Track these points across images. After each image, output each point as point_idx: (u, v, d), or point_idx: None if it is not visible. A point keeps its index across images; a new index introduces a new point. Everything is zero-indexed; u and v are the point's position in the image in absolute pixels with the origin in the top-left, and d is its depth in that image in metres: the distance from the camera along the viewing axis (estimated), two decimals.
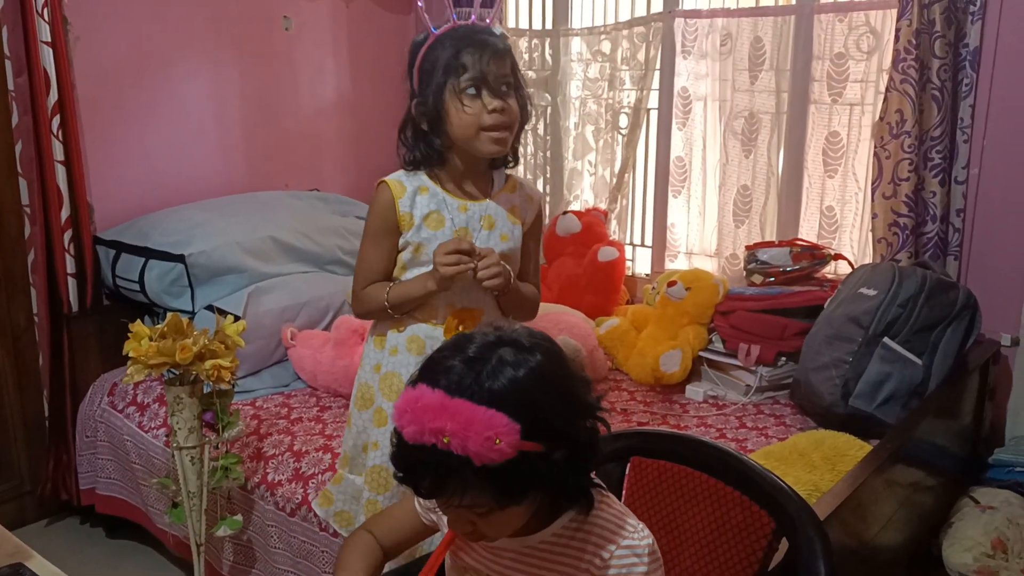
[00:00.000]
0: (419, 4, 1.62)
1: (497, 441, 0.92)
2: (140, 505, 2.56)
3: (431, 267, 1.60)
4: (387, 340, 1.72)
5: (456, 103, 1.55)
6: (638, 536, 1.08)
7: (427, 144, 1.62)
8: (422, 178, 1.66)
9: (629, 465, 1.46)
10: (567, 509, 1.09)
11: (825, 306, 2.44)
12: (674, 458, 1.41)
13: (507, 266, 1.62)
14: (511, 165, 1.72)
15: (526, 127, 1.69)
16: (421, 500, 1.26)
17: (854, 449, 1.98)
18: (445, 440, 0.93)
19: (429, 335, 1.68)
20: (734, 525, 1.31)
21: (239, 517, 2.18)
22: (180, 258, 2.61)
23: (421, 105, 1.59)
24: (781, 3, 2.97)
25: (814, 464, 1.91)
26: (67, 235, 2.64)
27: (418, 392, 0.96)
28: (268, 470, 2.24)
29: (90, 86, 2.74)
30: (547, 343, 1.03)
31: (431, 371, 1.00)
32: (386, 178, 1.67)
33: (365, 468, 1.76)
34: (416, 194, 1.65)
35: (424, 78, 1.59)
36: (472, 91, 1.54)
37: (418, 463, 0.97)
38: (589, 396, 1.06)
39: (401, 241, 1.67)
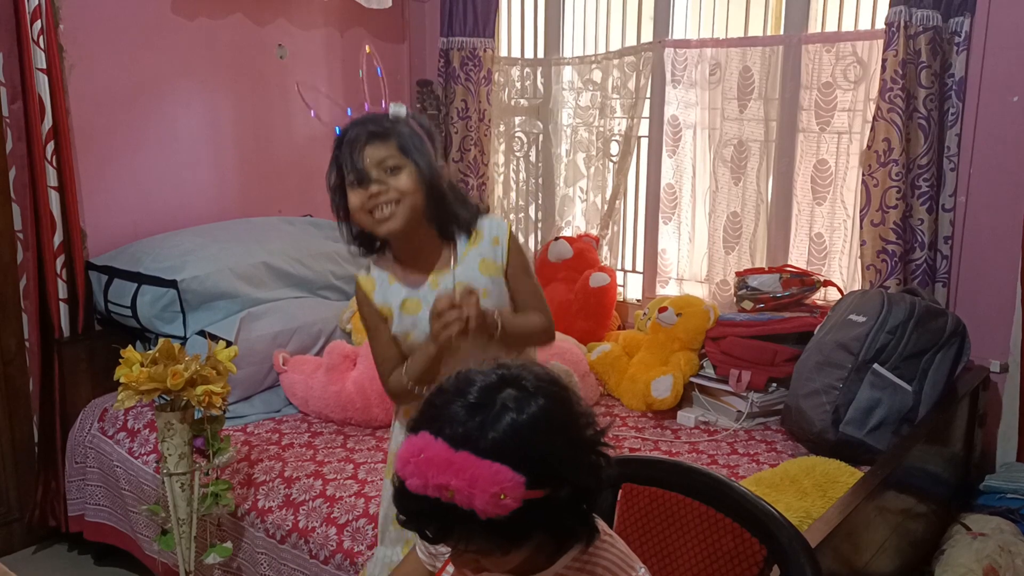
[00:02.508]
0: (361, 75, 1.74)
1: (503, 496, 0.90)
2: (129, 532, 2.54)
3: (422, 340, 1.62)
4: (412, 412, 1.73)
5: (350, 195, 1.58)
6: (641, 573, 1.07)
7: (355, 233, 1.66)
8: (384, 271, 1.67)
9: (620, 492, 1.46)
10: (571, 546, 1.09)
11: (815, 332, 2.45)
12: (666, 485, 1.41)
13: (488, 310, 1.57)
14: (470, 228, 1.68)
15: (443, 187, 1.64)
16: (421, 549, 1.24)
17: (845, 475, 1.98)
18: (450, 494, 0.91)
19: None
20: (726, 552, 1.31)
21: (229, 544, 2.17)
22: (172, 283, 2.61)
23: (331, 198, 1.65)
24: (769, 33, 3.01)
25: (805, 491, 1.91)
26: (59, 260, 2.64)
27: (421, 442, 0.94)
28: (259, 496, 2.23)
29: (84, 112, 2.76)
30: (550, 384, 1.01)
31: (433, 418, 0.97)
32: (358, 274, 1.70)
33: (396, 540, 1.74)
34: (387, 284, 1.66)
35: (328, 175, 1.65)
36: (355, 184, 1.57)
37: (422, 512, 0.95)
38: (592, 432, 1.03)
39: (392, 331, 1.67)
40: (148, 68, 2.92)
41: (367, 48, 1.84)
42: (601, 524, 1.15)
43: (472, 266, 1.66)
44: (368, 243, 1.68)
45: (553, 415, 0.98)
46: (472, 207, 1.69)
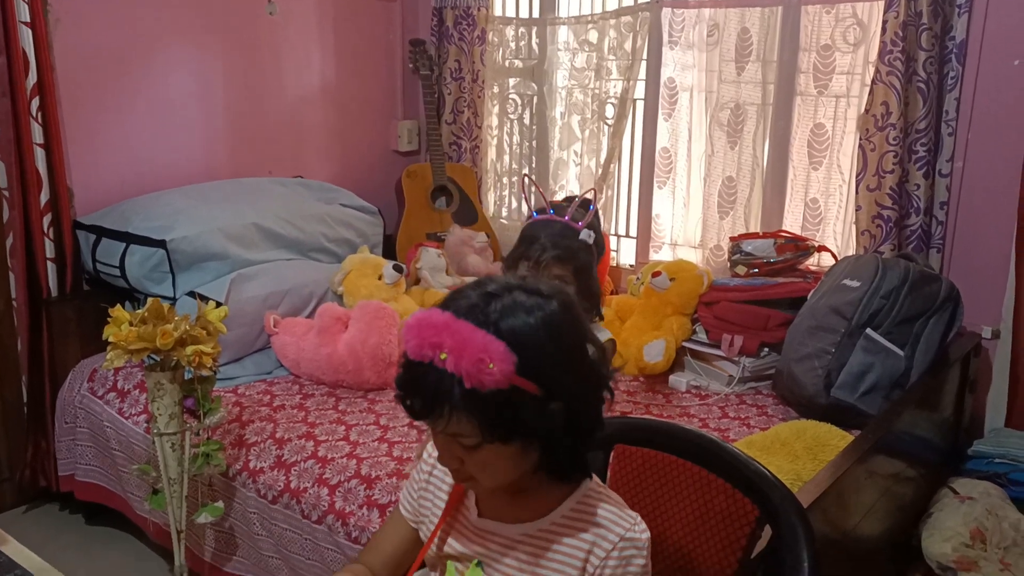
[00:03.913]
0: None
1: (490, 366, 0.94)
2: (120, 492, 2.54)
3: None
4: None
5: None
6: (638, 529, 1.08)
7: None
8: None
9: (613, 453, 1.46)
10: (567, 496, 1.09)
11: (808, 297, 2.45)
12: (658, 446, 1.41)
13: None
14: None
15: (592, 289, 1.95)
16: (407, 505, 1.25)
17: (836, 439, 1.99)
18: (442, 356, 0.95)
19: None
20: (718, 512, 1.31)
21: (220, 504, 2.17)
22: (161, 244, 2.58)
23: (509, 260, 2.05)
24: None
25: (796, 454, 1.91)
26: (46, 219, 2.61)
27: (429, 313, 0.99)
28: (250, 457, 2.23)
29: (71, 69, 2.70)
30: (565, 296, 1.05)
31: (448, 299, 1.03)
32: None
33: None
34: None
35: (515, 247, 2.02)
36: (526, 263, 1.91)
37: (415, 381, 0.99)
38: (599, 363, 1.06)
39: None
40: (136, 24, 2.86)
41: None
42: (596, 479, 1.15)
43: None
44: None
45: (561, 321, 1.01)
46: None
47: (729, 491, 1.31)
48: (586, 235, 1.96)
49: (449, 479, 1.18)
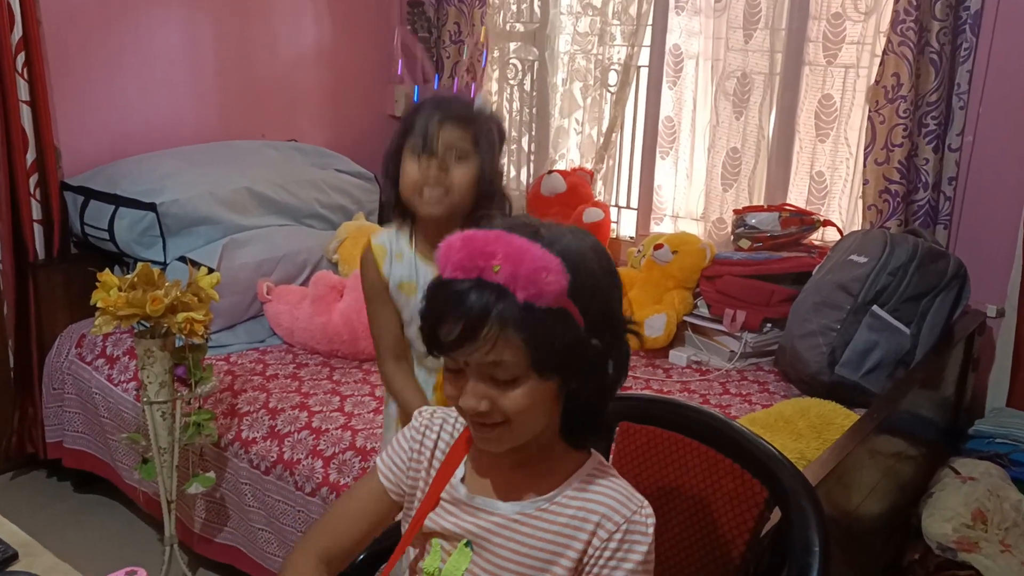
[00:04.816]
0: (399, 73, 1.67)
1: (548, 276, 0.89)
2: (109, 460, 2.50)
3: (412, 324, 1.60)
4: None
5: (406, 162, 1.54)
6: (644, 513, 1.02)
7: (395, 198, 1.61)
8: (401, 242, 1.62)
9: (617, 430, 1.42)
10: (571, 473, 1.04)
11: (813, 272, 2.40)
12: (664, 424, 1.37)
13: None
14: None
15: (497, 189, 1.60)
16: (387, 473, 1.13)
17: (840, 417, 1.96)
18: (495, 268, 0.89)
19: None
20: (725, 493, 1.27)
21: (212, 474, 2.13)
22: (152, 207, 2.52)
23: (385, 157, 1.60)
24: None
25: (800, 432, 1.88)
26: (33, 180, 2.54)
27: (471, 231, 0.93)
28: (242, 427, 2.18)
29: (58, 25, 2.61)
30: (600, 244, 1.02)
31: (488, 226, 0.95)
32: (372, 240, 1.63)
33: None
34: (393, 259, 1.61)
35: (394, 136, 1.60)
36: (419, 152, 1.52)
37: (455, 301, 0.91)
38: (624, 310, 1.03)
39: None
40: None
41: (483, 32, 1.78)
42: (600, 458, 1.10)
43: None
44: (402, 211, 1.62)
45: (603, 257, 1.00)
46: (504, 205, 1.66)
47: (737, 472, 1.27)
48: (481, 102, 1.63)
49: (443, 446, 1.10)
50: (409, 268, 1.60)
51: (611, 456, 1.40)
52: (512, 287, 0.89)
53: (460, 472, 1.08)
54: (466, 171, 1.53)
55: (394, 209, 1.62)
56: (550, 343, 0.92)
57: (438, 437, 1.11)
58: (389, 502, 1.13)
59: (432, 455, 1.12)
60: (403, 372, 1.66)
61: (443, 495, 1.08)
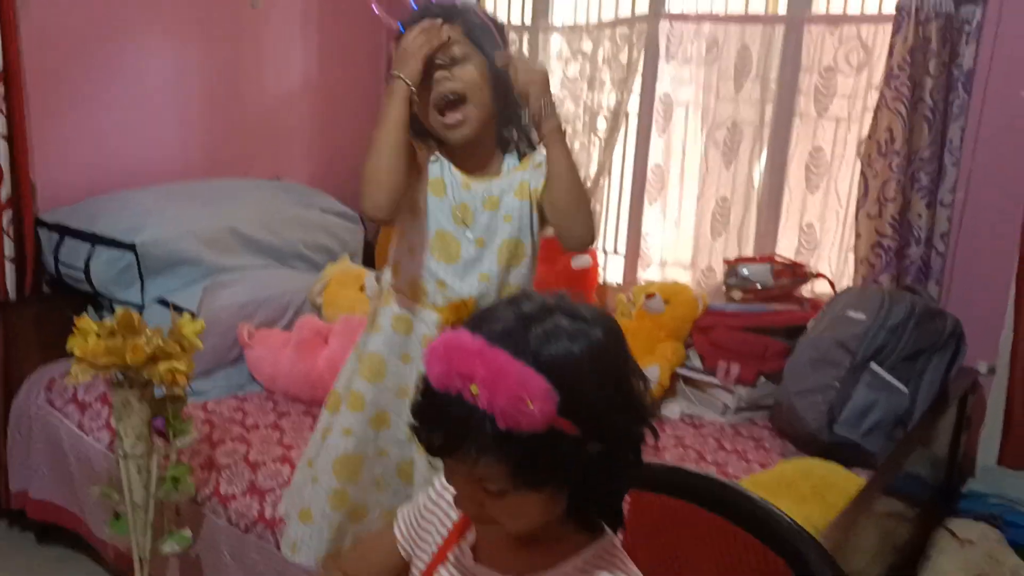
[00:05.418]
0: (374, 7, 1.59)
1: (529, 404, 0.81)
2: (78, 511, 2.37)
3: (431, 233, 1.53)
4: (376, 318, 1.62)
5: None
6: None
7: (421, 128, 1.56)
8: (436, 152, 1.57)
9: (628, 499, 1.35)
10: (579, 549, 0.98)
11: (809, 327, 2.37)
12: (678, 494, 1.32)
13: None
14: (525, 151, 1.58)
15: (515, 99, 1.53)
16: (403, 528, 1.14)
17: (843, 480, 1.91)
18: (473, 389, 0.82)
19: (418, 315, 1.58)
20: (747, 571, 1.21)
21: (188, 532, 2.02)
22: (131, 246, 2.43)
23: None
24: (771, 12, 2.90)
25: (804, 496, 1.83)
26: (6, 216, 2.43)
27: (457, 335, 0.86)
28: (221, 481, 2.08)
29: (39, 55, 2.52)
30: (610, 322, 0.92)
31: (478, 319, 0.90)
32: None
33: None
34: (429, 161, 1.56)
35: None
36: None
37: (437, 413, 0.86)
38: (643, 395, 0.94)
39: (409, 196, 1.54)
40: (110, 9, 2.69)
41: None
42: (616, 542, 1.04)
43: (510, 187, 1.56)
44: (425, 134, 1.55)
45: (607, 351, 0.89)
46: (530, 138, 1.59)
47: (759, 548, 1.22)
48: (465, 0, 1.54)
49: (455, 512, 1.07)
50: (442, 169, 1.54)
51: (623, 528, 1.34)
52: (491, 411, 0.82)
53: (471, 537, 1.05)
54: (472, 70, 1.47)
55: (418, 137, 1.56)
56: (535, 464, 0.86)
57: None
58: (399, 556, 1.13)
59: (444, 520, 1.09)
60: None
61: (452, 555, 1.05)
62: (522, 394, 0.81)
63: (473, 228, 1.54)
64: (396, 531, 1.14)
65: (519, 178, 1.57)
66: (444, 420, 0.86)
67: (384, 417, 1.61)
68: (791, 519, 1.21)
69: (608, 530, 1.02)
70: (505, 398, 0.81)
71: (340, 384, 1.68)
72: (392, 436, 1.61)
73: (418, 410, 0.90)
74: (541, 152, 1.56)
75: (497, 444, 0.83)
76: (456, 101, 1.47)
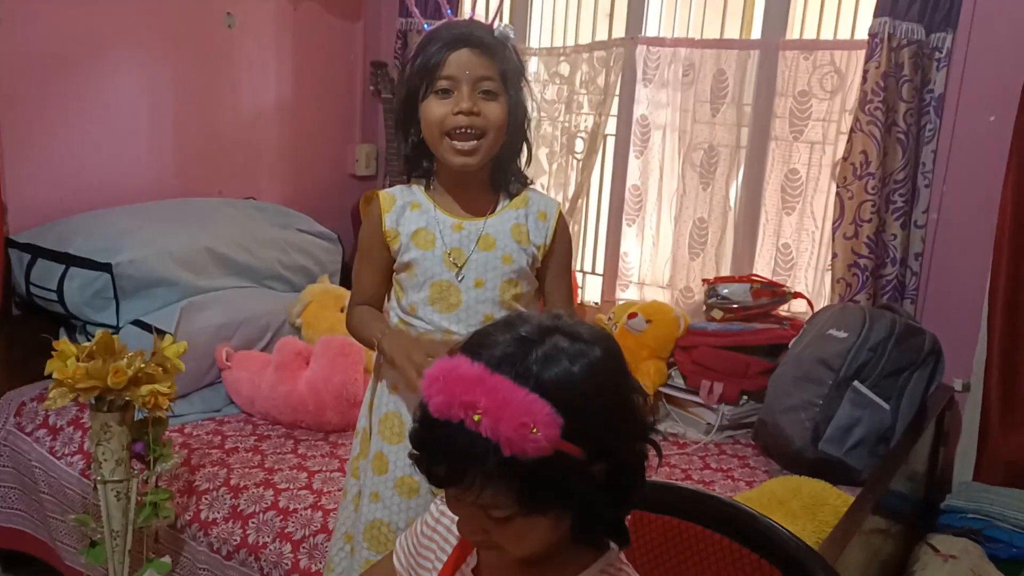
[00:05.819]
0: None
1: (534, 430, 0.80)
2: (48, 539, 2.30)
3: (426, 288, 1.49)
4: (384, 373, 1.56)
5: (429, 103, 1.44)
6: None
7: (410, 147, 1.52)
8: (416, 193, 1.53)
9: (628, 520, 1.34)
10: (584, 567, 0.97)
11: (790, 346, 2.40)
12: (680, 514, 1.31)
13: None
14: (516, 189, 1.55)
15: (527, 144, 1.54)
16: (401, 557, 1.12)
17: (832, 497, 1.92)
18: (476, 418, 0.81)
19: None
20: None
21: (167, 559, 1.96)
22: (106, 267, 2.37)
23: (396, 105, 1.54)
24: (746, 37, 2.95)
25: (795, 513, 1.84)
26: None
27: (455, 362, 0.85)
28: (201, 507, 2.03)
29: (9, 74, 2.47)
30: (609, 340, 0.92)
31: (474, 344, 0.88)
32: (381, 191, 1.55)
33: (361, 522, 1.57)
34: (406, 209, 1.51)
35: (406, 76, 1.51)
36: (444, 90, 1.43)
37: (439, 443, 0.85)
38: (644, 413, 0.94)
39: (395, 263, 1.53)
40: (83, 28, 2.65)
41: None
42: (622, 556, 1.04)
43: (505, 227, 1.51)
44: (416, 162, 1.51)
45: (607, 371, 0.89)
46: (523, 175, 1.56)
47: (766, 568, 1.21)
48: (504, 29, 1.46)
49: (455, 535, 1.05)
50: (426, 217, 1.49)
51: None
52: (495, 439, 0.81)
53: (472, 561, 1.03)
54: (499, 111, 1.43)
55: (407, 162, 1.52)
56: (541, 489, 0.85)
57: (452, 522, 1.04)
58: None
59: (443, 545, 1.07)
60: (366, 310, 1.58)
61: None
62: (527, 421, 0.81)
63: (467, 270, 1.48)
64: (396, 561, 1.12)
65: (513, 218, 1.52)
66: (447, 450, 0.85)
67: (412, 485, 1.53)
68: (798, 538, 1.20)
69: (613, 545, 1.01)
70: (510, 426, 0.80)
71: (358, 446, 1.63)
72: (424, 504, 1.51)
73: (418, 440, 0.88)
74: (537, 198, 1.55)
75: (502, 471, 0.82)
76: (473, 135, 1.44)
